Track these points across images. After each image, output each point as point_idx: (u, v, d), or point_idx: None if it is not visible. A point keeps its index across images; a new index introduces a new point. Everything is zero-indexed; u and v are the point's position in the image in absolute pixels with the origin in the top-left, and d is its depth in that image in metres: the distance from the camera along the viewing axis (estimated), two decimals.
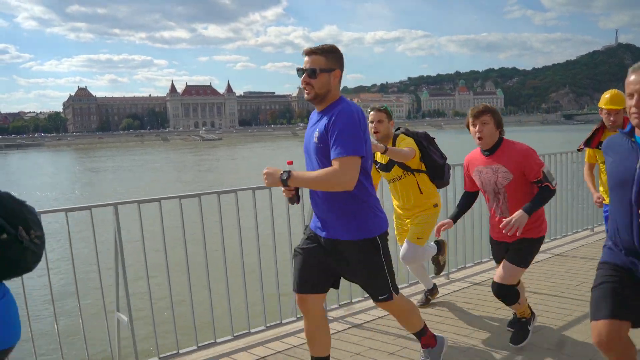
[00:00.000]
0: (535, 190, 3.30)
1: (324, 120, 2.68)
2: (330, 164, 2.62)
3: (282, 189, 2.75)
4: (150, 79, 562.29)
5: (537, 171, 3.27)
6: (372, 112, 4.08)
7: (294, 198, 2.81)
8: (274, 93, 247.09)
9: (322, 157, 2.68)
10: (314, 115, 2.86)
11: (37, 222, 2.07)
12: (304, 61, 2.74)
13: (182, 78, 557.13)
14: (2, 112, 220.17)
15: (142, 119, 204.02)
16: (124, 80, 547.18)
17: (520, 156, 3.30)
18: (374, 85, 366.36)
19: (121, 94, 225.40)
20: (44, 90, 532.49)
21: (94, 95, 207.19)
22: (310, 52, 2.73)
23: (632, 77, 2.16)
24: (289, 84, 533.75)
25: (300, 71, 2.74)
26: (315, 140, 2.70)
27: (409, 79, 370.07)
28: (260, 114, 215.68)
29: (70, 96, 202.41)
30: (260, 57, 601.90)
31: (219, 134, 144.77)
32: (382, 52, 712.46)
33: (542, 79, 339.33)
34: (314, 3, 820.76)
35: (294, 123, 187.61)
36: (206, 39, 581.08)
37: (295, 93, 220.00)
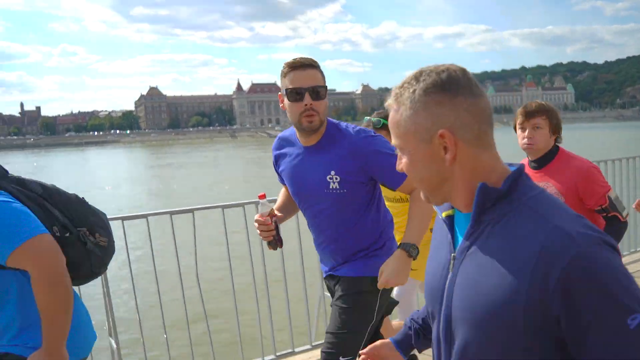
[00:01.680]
0: (596, 220, 2.52)
1: (335, 160, 2.14)
2: (357, 205, 2.20)
3: (259, 231, 2.23)
4: (211, 77, 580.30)
5: (600, 197, 2.49)
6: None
7: (274, 242, 2.23)
8: (334, 90, 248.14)
9: (344, 204, 2.18)
10: (295, 150, 2.26)
11: (105, 227, 2.02)
12: (295, 77, 2.07)
13: (242, 76, 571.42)
14: (80, 111, 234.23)
15: (210, 117, 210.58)
16: (186, 79, 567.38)
17: (577, 175, 2.50)
18: None
19: (184, 93, 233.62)
20: (110, 90, 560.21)
21: (164, 94, 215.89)
22: (308, 65, 2.08)
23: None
24: (347, 81, 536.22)
25: (293, 92, 2.06)
26: (334, 186, 2.15)
27: (472, 74, 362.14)
28: None
29: (142, 95, 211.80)
30: (318, 55, 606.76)
31: None
32: (442, 47, 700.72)
33: (616, 72, 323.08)
34: None
35: (359, 120, 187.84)
36: (264, 37, 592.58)
37: (359, 90, 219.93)
